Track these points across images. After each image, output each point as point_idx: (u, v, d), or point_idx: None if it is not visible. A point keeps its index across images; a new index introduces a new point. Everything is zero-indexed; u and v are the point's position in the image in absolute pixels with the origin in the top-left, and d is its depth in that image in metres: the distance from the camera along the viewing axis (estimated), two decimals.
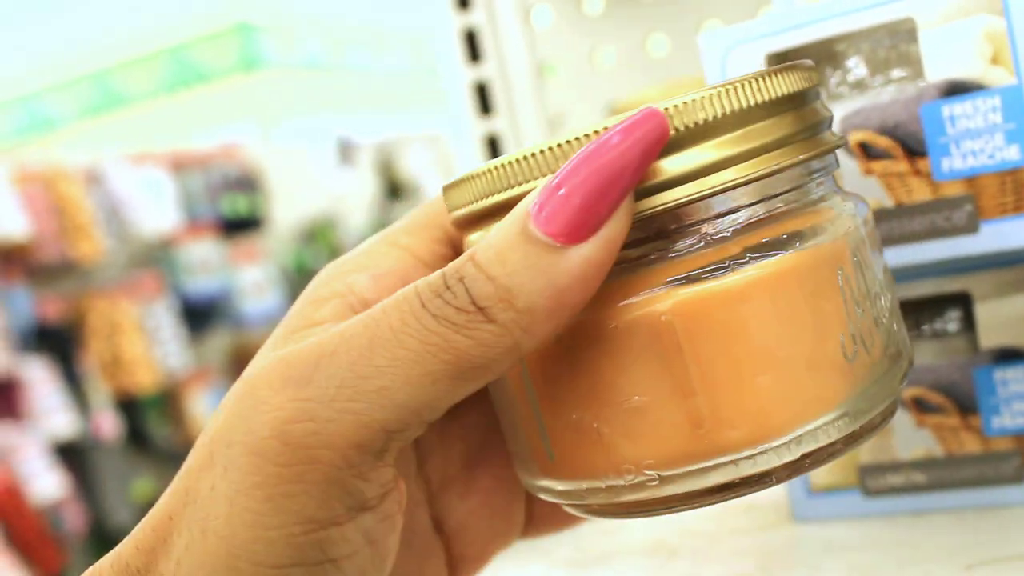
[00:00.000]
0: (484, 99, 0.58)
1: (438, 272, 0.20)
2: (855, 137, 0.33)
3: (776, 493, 0.40)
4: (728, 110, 0.21)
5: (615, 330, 0.21)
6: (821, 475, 0.37)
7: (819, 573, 0.33)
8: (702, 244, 0.21)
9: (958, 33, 0.31)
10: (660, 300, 0.21)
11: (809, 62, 0.24)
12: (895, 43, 0.32)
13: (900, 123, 0.32)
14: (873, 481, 0.36)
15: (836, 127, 0.33)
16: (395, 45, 4.37)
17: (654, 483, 0.22)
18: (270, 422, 0.19)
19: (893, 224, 0.32)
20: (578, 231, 0.19)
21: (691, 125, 0.21)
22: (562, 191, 0.20)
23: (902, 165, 0.32)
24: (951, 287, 0.34)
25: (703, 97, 0.21)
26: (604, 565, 0.38)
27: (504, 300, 0.19)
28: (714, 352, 0.21)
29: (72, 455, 2.33)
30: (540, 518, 0.27)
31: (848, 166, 0.33)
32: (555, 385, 0.22)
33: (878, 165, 0.32)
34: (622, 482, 0.22)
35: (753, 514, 0.39)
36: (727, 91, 0.21)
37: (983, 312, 0.34)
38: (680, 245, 0.22)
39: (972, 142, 0.31)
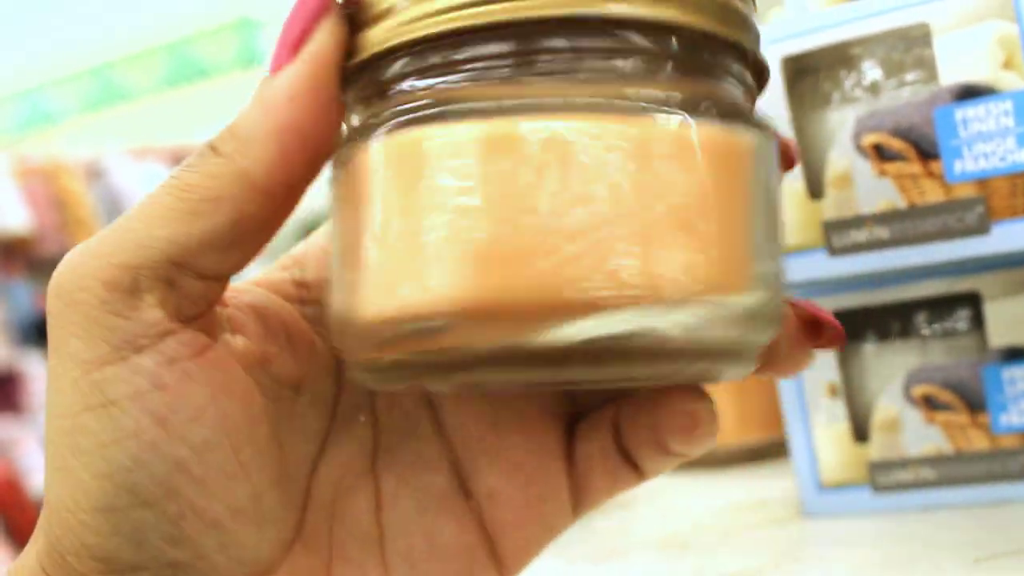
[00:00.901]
0: None
1: None
2: (869, 139, 0.33)
3: (787, 489, 0.41)
4: None
5: (338, 177, 0.21)
6: (831, 472, 0.37)
7: (829, 567, 0.34)
8: (415, 90, 0.20)
9: (971, 38, 0.32)
10: (364, 146, 0.20)
11: None
12: (909, 47, 0.33)
13: (914, 126, 0.32)
14: (883, 477, 0.37)
15: (851, 129, 0.33)
16: None
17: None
18: (50, 282, 0.21)
19: (906, 224, 0.33)
20: (282, 57, 0.21)
21: None
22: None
23: (915, 167, 0.33)
24: (961, 287, 0.35)
25: None
26: (619, 560, 0.38)
27: (228, 133, 0.21)
28: (397, 202, 0.19)
29: None
30: (586, 489, 0.25)
31: (862, 167, 0.33)
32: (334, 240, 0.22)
33: (892, 167, 0.33)
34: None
35: (764, 509, 0.40)
36: None
37: (992, 312, 0.34)
38: (398, 90, 0.20)
39: (984, 145, 0.32)
